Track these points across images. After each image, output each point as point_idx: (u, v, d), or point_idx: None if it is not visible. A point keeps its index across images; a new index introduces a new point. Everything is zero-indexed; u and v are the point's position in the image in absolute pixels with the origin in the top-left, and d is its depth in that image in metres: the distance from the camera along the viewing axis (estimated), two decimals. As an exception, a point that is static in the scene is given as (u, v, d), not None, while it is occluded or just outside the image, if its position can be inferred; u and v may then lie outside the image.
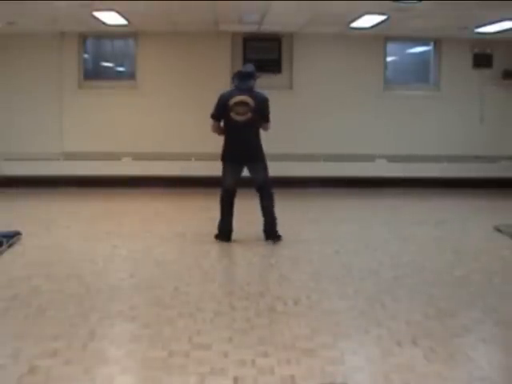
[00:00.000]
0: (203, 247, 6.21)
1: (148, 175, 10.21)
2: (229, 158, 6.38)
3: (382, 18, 8.55)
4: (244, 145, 6.32)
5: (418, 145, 10.56)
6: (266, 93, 6.51)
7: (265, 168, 6.45)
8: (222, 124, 6.42)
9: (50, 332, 3.80)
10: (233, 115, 6.24)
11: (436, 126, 10.56)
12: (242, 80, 6.34)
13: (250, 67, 6.53)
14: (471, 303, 4.55)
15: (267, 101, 6.38)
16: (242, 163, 6.39)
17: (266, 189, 6.43)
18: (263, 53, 10.13)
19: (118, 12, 8.31)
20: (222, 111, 6.29)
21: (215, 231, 6.43)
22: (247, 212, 6.74)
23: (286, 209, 6.56)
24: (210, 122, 6.40)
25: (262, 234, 6.44)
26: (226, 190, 6.43)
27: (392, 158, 10.54)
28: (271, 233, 6.41)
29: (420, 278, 5.20)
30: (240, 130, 6.28)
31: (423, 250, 6.33)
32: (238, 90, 6.30)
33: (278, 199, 6.47)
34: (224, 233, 6.41)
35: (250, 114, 6.24)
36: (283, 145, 9.96)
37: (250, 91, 6.31)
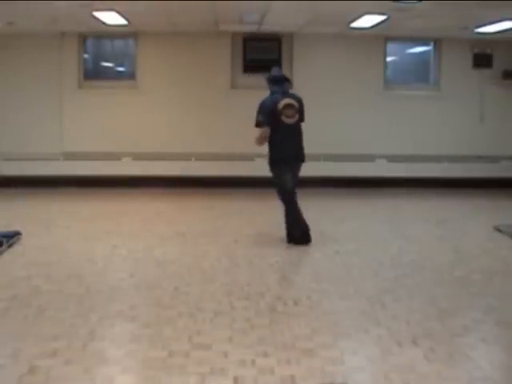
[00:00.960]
0: (203, 247, 6.21)
1: (148, 175, 10.20)
2: (284, 160, 6.31)
3: (382, 18, 8.54)
4: (297, 145, 6.35)
5: (419, 145, 10.55)
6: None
7: (300, 169, 6.48)
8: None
9: (50, 332, 3.80)
10: (284, 118, 6.23)
11: (436, 126, 10.56)
12: (279, 84, 6.36)
13: (279, 71, 6.55)
14: (471, 303, 4.55)
15: (303, 101, 6.45)
16: (293, 164, 6.36)
17: (295, 190, 6.43)
18: (263, 53, 10.12)
19: (118, 12, 8.31)
20: (272, 116, 6.21)
21: (215, 231, 6.41)
22: (247, 212, 6.73)
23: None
24: (258, 130, 6.25)
25: (263, 234, 6.42)
26: (290, 193, 6.32)
27: (392, 158, 10.54)
28: (308, 236, 6.34)
29: (420, 278, 5.20)
30: (292, 132, 6.30)
31: (424, 249, 6.32)
32: (280, 94, 6.31)
33: (277, 199, 6.47)
34: (305, 233, 6.32)
35: (297, 116, 6.30)
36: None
37: (289, 94, 6.38)
